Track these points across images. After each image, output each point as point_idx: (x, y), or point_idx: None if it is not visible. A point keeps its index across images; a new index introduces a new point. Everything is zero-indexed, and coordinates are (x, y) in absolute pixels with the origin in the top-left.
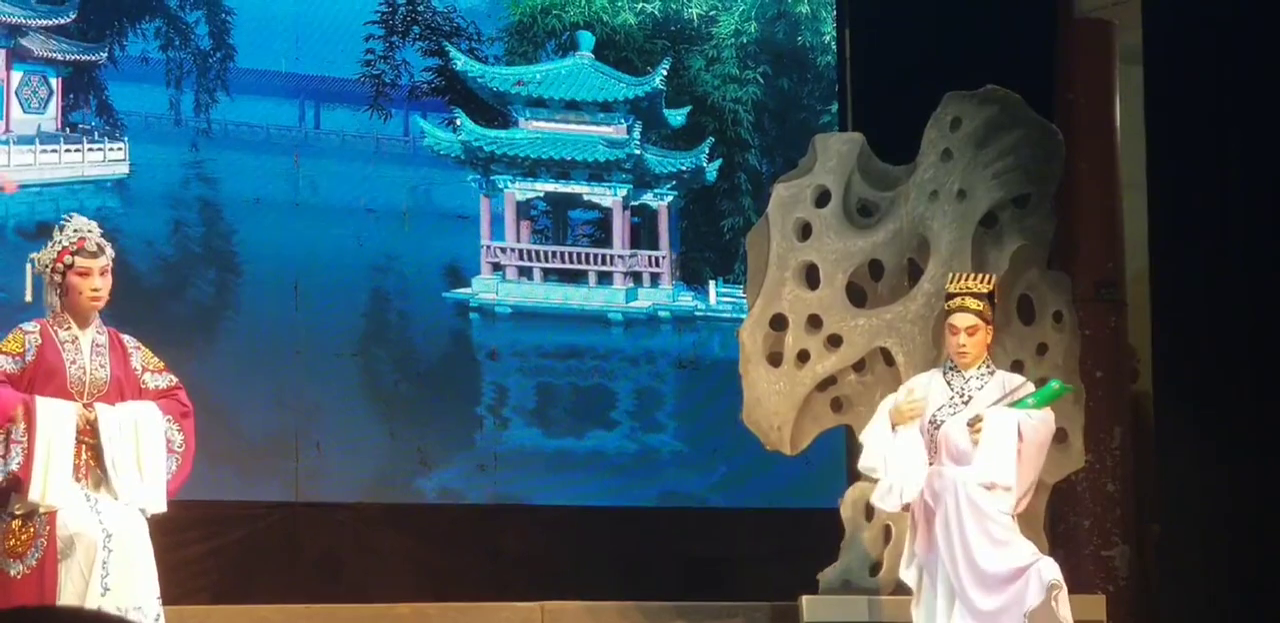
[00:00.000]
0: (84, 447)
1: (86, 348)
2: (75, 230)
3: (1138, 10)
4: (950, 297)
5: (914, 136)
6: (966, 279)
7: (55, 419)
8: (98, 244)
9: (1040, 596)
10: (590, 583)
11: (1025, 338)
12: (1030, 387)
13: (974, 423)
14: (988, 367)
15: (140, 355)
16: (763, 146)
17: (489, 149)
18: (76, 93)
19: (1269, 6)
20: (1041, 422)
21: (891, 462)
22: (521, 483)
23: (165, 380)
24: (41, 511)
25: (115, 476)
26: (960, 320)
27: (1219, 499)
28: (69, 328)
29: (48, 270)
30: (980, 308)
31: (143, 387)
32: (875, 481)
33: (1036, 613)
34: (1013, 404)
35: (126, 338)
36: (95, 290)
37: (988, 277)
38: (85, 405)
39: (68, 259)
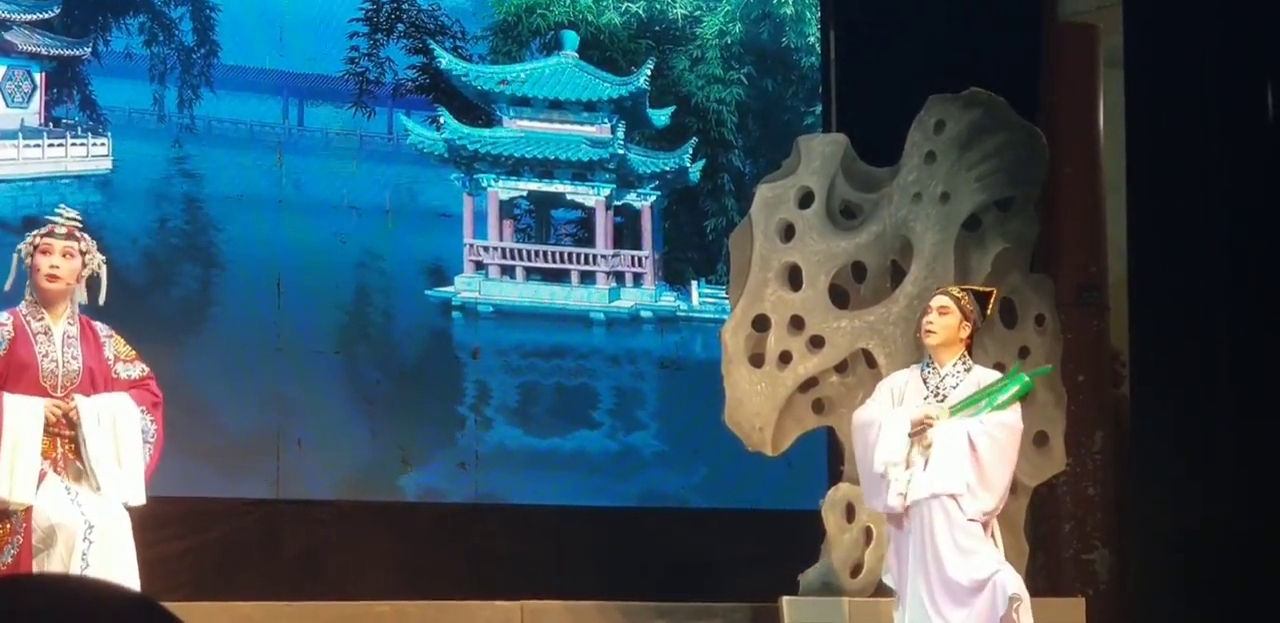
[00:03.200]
0: (61, 440)
1: (59, 339)
2: (57, 216)
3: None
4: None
5: (897, 139)
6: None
7: (22, 416)
8: (68, 229)
9: (1003, 608)
10: (571, 583)
11: (1007, 341)
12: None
13: (916, 432)
14: (964, 363)
15: (112, 344)
16: (746, 147)
17: (472, 147)
18: (60, 88)
19: (1248, 10)
20: (998, 426)
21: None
22: (503, 482)
23: (137, 370)
24: (11, 508)
25: (95, 469)
26: (935, 300)
27: (1197, 503)
28: (41, 318)
29: (21, 254)
30: (961, 296)
31: (114, 377)
32: (861, 482)
33: None
34: (979, 397)
35: (99, 326)
36: (53, 268)
37: (992, 290)
38: (63, 398)
39: (36, 241)
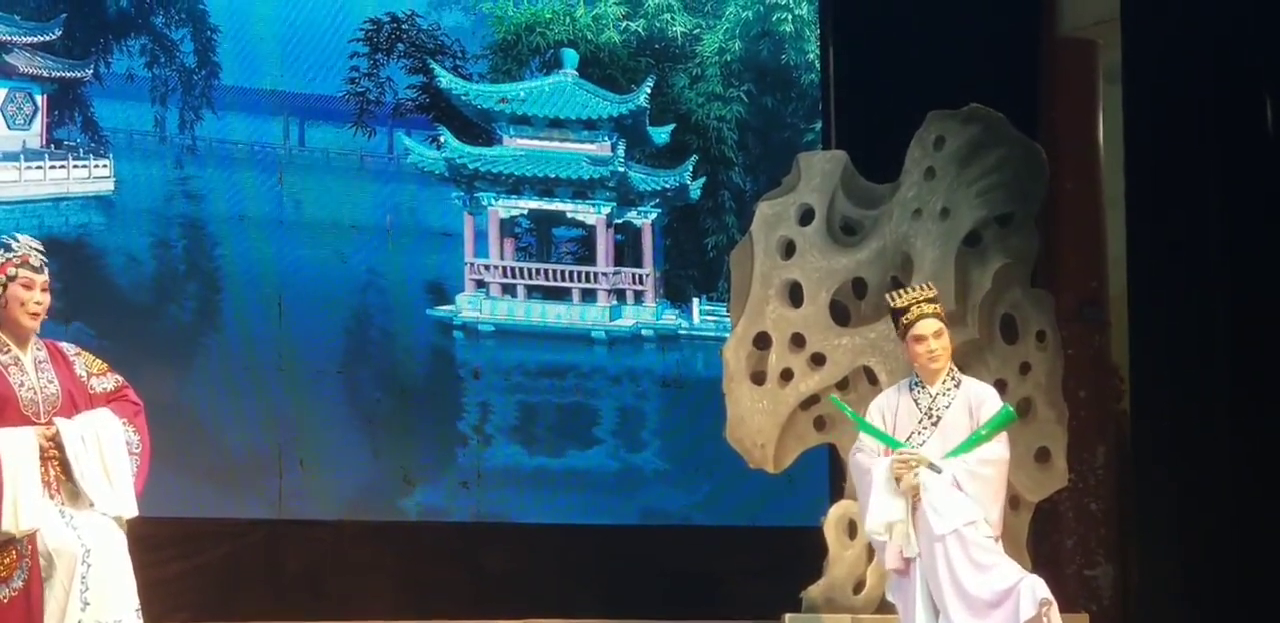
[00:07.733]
0: (51, 463)
1: (30, 367)
2: (25, 246)
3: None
4: (900, 312)
5: (897, 155)
6: (907, 293)
7: (17, 447)
8: (42, 262)
9: (1032, 610)
10: (573, 601)
11: (1008, 357)
12: (993, 404)
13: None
14: (952, 378)
15: (82, 361)
16: (746, 165)
17: (473, 166)
18: (62, 110)
19: (1247, 25)
20: (980, 463)
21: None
22: (504, 501)
23: (112, 382)
24: (19, 536)
25: (86, 487)
26: (926, 327)
27: (1199, 518)
28: (9, 350)
29: None
30: (937, 311)
31: (91, 392)
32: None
33: None
34: (967, 442)
35: (64, 345)
36: (38, 304)
37: (925, 285)
38: (45, 423)
39: (11, 272)
